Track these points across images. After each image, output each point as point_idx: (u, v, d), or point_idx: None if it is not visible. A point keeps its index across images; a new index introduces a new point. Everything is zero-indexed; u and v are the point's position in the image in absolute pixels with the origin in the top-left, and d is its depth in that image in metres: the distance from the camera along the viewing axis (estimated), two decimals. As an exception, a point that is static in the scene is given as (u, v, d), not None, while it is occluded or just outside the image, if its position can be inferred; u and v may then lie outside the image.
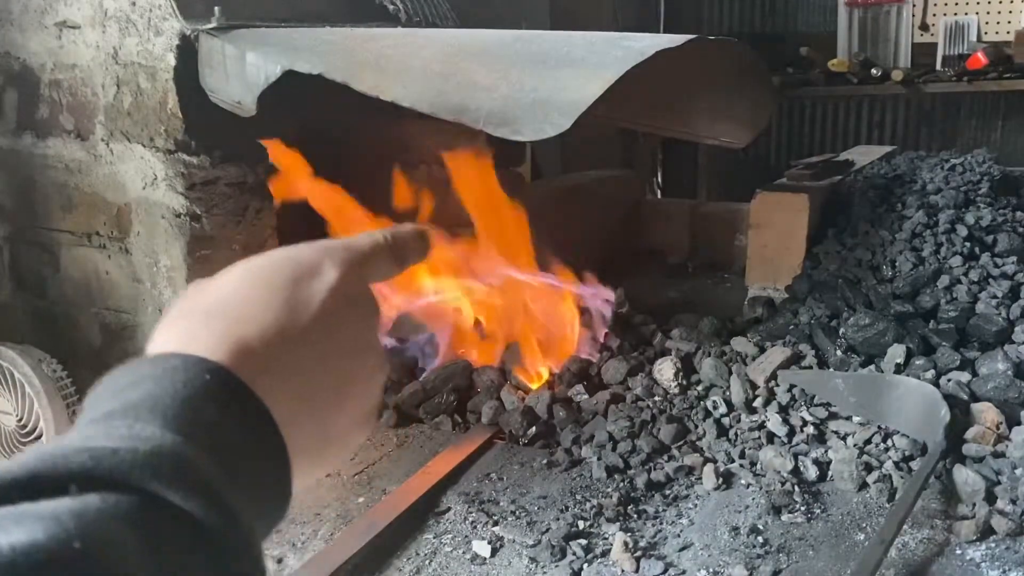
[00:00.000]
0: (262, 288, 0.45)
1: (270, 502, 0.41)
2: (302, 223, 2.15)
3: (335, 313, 0.46)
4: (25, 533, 0.29)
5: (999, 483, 1.72)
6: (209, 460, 0.36)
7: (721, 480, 1.83)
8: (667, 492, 1.82)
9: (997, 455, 1.81)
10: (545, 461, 1.95)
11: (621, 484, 1.82)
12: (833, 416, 2.04)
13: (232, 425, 0.39)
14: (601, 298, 2.50)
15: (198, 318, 0.43)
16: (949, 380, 2.06)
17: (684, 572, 1.56)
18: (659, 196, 5.32)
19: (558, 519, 1.71)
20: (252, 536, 0.36)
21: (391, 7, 2.39)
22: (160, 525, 0.33)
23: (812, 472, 1.83)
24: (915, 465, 1.81)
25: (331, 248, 0.49)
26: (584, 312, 2.46)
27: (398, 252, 0.53)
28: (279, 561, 1.67)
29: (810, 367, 2.23)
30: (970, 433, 1.85)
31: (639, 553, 1.59)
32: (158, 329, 0.43)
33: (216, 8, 1.96)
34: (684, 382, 2.20)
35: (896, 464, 1.82)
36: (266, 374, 0.42)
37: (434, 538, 1.70)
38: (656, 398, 2.16)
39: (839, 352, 2.27)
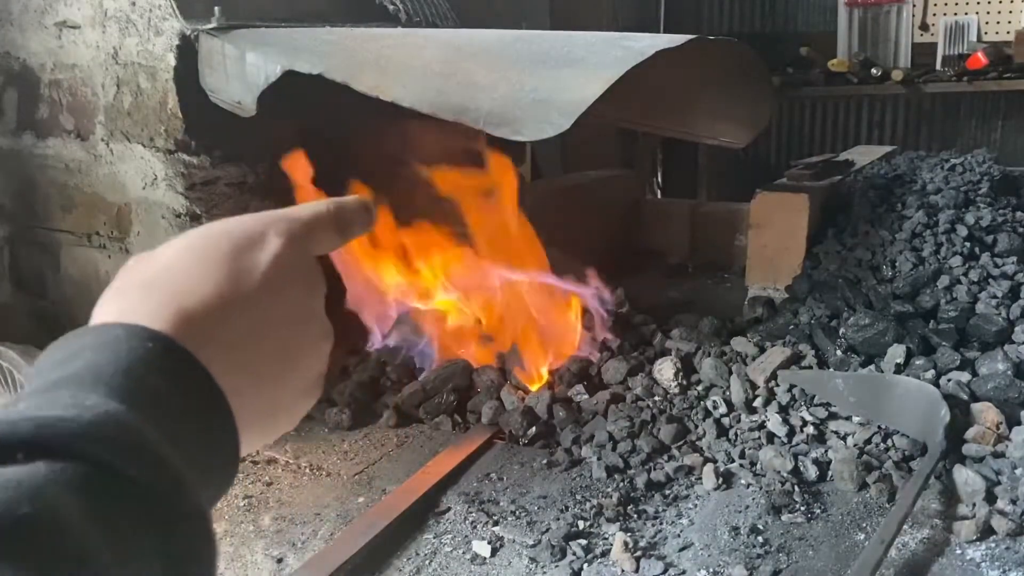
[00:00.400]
0: (203, 259, 0.45)
1: (217, 470, 0.41)
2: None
3: (277, 282, 0.46)
4: None
5: (999, 483, 1.72)
6: (154, 427, 0.36)
7: (721, 480, 1.83)
8: (667, 492, 1.82)
9: (997, 455, 1.80)
10: (545, 461, 1.95)
11: (621, 484, 1.82)
12: (833, 416, 2.04)
13: (176, 393, 0.39)
14: (601, 298, 2.50)
15: (140, 290, 0.43)
16: (949, 380, 2.06)
17: (684, 572, 1.56)
18: (659, 196, 5.32)
19: (558, 519, 1.71)
20: (199, 501, 0.36)
21: (391, 7, 2.40)
22: (106, 491, 0.33)
23: (812, 472, 1.83)
24: (915, 465, 1.81)
25: (273, 218, 0.48)
26: (584, 312, 2.46)
27: (341, 223, 0.52)
28: (279, 561, 1.67)
29: (810, 367, 2.23)
30: (970, 433, 1.85)
31: (639, 553, 1.59)
32: (99, 301, 0.43)
33: (216, 8, 1.96)
34: (684, 382, 2.20)
35: (896, 464, 1.82)
36: (209, 343, 0.41)
37: (434, 538, 1.70)
38: (656, 398, 2.16)
39: (839, 352, 2.27)
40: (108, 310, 0.42)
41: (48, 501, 0.30)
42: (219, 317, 0.43)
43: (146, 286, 0.43)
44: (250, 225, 0.47)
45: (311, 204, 0.51)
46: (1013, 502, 1.66)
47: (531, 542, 1.63)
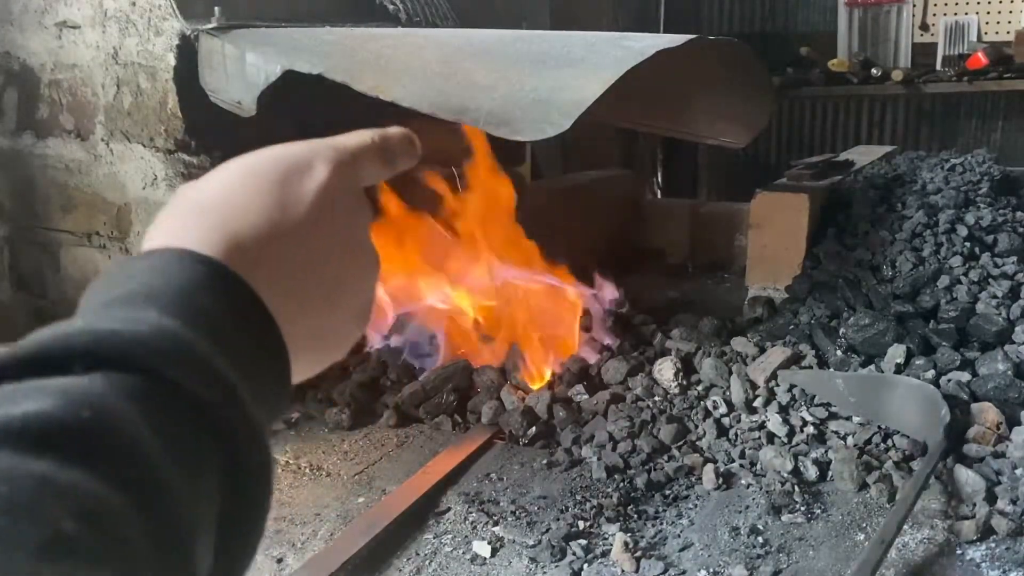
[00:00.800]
0: (252, 186, 0.45)
1: (270, 392, 0.41)
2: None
3: (326, 210, 0.46)
4: (33, 404, 0.29)
5: (999, 483, 1.72)
6: (208, 344, 0.36)
7: (721, 480, 1.83)
8: (667, 492, 1.82)
9: (997, 455, 1.81)
10: (545, 461, 1.95)
11: (621, 484, 1.82)
12: (833, 416, 2.04)
13: (227, 315, 0.39)
14: (601, 298, 2.50)
15: (190, 216, 0.43)
16: (949, 380, 2.06)
17: (684, 572, 1.56)
18: (659, 196, 5.32)
19: (558, 519, 1.71)
20: (255, 417, 0.37)
21: (391, 7, 2.40)
22: (165, 402, 0.33)
23: (812, 472, 1.83)
24: (915, 465, 1.81)
25: (321, 147, 0.48)
26: (584, 312, 2.46)
27: (387, 154, 0.52)
28: (279, 561, 1.67)
29: (810, 367, 2.23)
30: (970, 433, 1.85)
31: (639, 553, 1.59)
32: (150, 229, 0.43)
33: (216, 8, 1.96)
34: (684, 382, 2.20)
35: (896, 464, 1.82)
36: (259, 268, 0.42)
37: (434, 538, 1.70)
38: (656, 398, 2.16)
39: (839, 352, 2.27)
40: (159, 236, 0.42)
41: (108, 408, 0.31)
42: (268, 243, 0.43)
43: (196, 212, 0.43)
44: (298, 153, 0.47)
45: (358, 133, 0.51)
46: (1013, 502, 1.66)
47: (531, 542, 1.63)
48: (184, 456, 0.33)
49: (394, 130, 0.54)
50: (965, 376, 2.06)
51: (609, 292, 2.56)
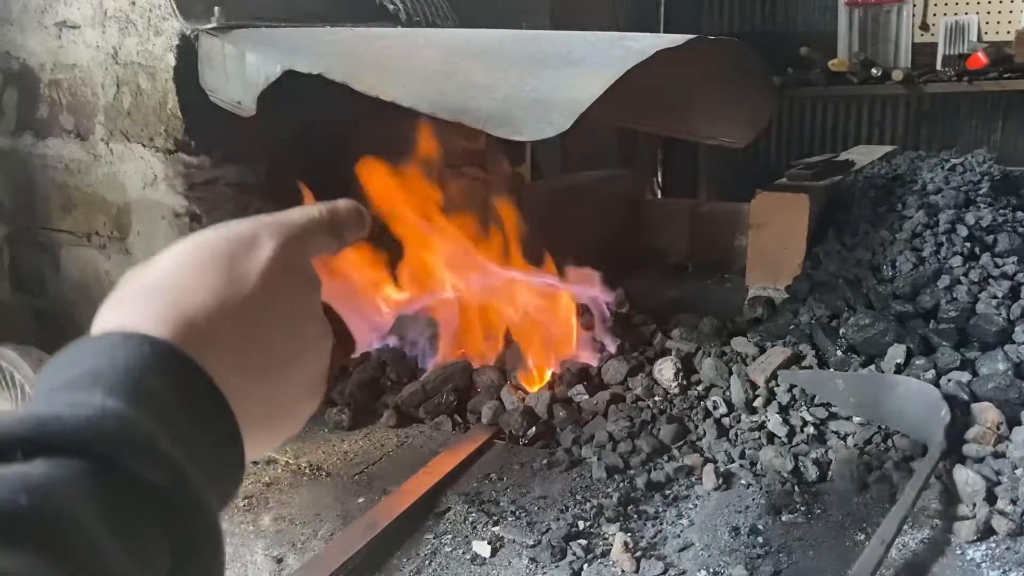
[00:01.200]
0: (200, 265, 0.45)
1: (222, 473, 0.41)
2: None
3: (274, 284, 0.46)
4: None
5: (999, 483, 1.72)
6: (156, 425, 0.36)
7: (721, 480, 1.83)
8: (667, 492, 1.82)
9: (997, 455, 1.80)
10: (545, 461, 1.95)
11: (621, 484, 1.82)
12: (833, 416, 2.04)
13: (176, 395, 0.39)
14: (601, 298, 2.50)
15: (138, 298, 0.43)
16: (949, 380, 2.06)
17: (684, 572, 1.55)
18: (659, 196, 5.32)
19: (558, 519, 1.71)
20: (205, 497, 0.36)
21: (391, 7, 2.39)
22: (108, 486, 0.33)
23: (812, 472, 1.83)
24: (915, 465, 1.80)
25: (267, 223, 0.49)
26: (584, 312, 2.46)
27: (335, 227, 0.53)
28: (279, 561, 1.67)
29: (810, 367, 2.23)
30: (970, 433, 1.85)
31: (639, 553, 1.59)
32: (99, 312, 0.43)
33: (216, 8, 1.96)
34: (684, 382, 2.20)
35: (896, 464, 1.82)
36: (209, 347, 0.42)
37: (434, 538, 1.70)
38: (656, 398, 2.16)
39: (839, 352, 2.27)
40: (108, 320, 0.42)
41: (47, 494, 0.30)
42: (217, 320, 0.43)
43: (144, 294, 0.44)
44: (244, 229, 0.48)
45: (305, 208, 0.52)
46: (1013, 502, 1.66)
47: (531, 542, 1.63)
48: (131, 539, 0.32)
49: (342, 203, 0.54)
50: (965, 376, 2.06)
51: (609, 292, 2.56)
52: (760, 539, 1.64)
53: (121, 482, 0.33)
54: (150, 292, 0.43)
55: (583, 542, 1.62)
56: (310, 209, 0.52)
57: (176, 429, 0.37)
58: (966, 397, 1.98)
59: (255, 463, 2.05)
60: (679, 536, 1.66)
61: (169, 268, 0.45)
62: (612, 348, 2.38)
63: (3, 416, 0.34)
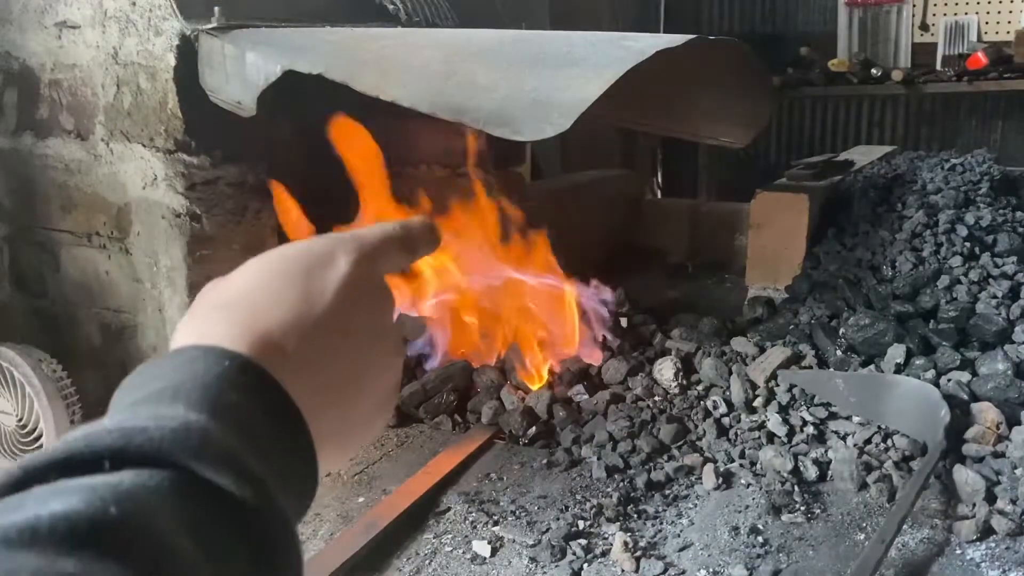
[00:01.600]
0: (277, 281, 0.46)
1: (298, 487, 0.41)
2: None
3: (350, 301, 0.47)
4: (61, 504, 0.29)
5: (999, 483, 1.72)
6: (236, 438, 0.36)
7: (721, 480, 1.83)
8: (667, 492, 1.82)
9: (997, 455, 1.80)
10: (545, 461, 1.95)
11: (621, 484, 1.82)
12: (833, 416, 2.04)
13: (256, 409, 0.39)
14: (601, 298, 2.50)
15: (216, 313, 0.44)
16: (949, 380, 2.06)
17: (684, 572, 1.56)
18: (659, 196, 5.32)
19: (558, 519, 1.71)
20: (285, 511, 0.37)
21: (391, 7, 2.39)
22: (193, 497, 0.33)
23: (812, 472, 1.83)
24: (915, 465, 1.80)
25: (343, 240, 0.49)
26: (584, 312, 2.46)
27: (409, 243, 0.53)
28: (279, 561, 1.67)
29: (810, 367, 2.23)
30: (970, 433, 1.85)
31: (639, 553, 1.59)
32: (178, 328, 0.44)
33: (216, 8, 1.96)
34: (684, 382, 2.20)
35: (896, 464, 1.82)
36: (286, 363, 0.42)
37: (434, 538, 1.70)
38: (656, 398, 2.16)
39: (839, 352, 2.27)
40: (186, 334, 0.42)
41: (136, 504, 0.31)
42: (294, 336, 0.43)
43: (222, 308, 0.44)
44: (321, 246, 0.48)
45: (380, 225, 0.53)
46: (1013, 502, 1.66)
47: (531, 542, 1.63)
48: (214, 550, 0.33)
49: (416, 220, 0.55)
50: (965, 376, 2.06)
51: (608, 292, 2.56)
52: (760, 539, 1.64)
53: (205, 494, 0.33)
54: (227, 306, 0.44)
55: (583, 542, 1.62)
56: (385, 226, 0.52)
57: (255, 443, 0.37)
58: (966, 397, 1.98)
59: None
60: (679, 536, 1.66)
61: (246, 282, 0.46)
62: (612, 348, 2.38)
63: (90, 428, 0.34)
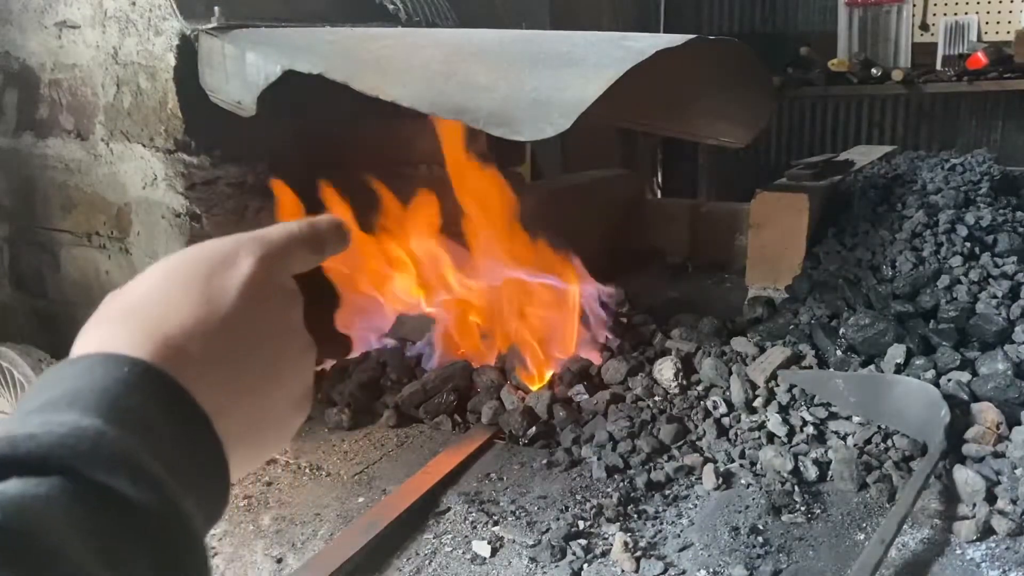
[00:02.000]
0: (178, 284, 0.45)
1: (207, 490, 0.41)
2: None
3: (252, 301, 0.46)
4: None
5: (999, 483, 1.72)
6: (135, 441, 0.36)
7: (721, 480, 1.83)
8: (667, 492, 1.82)
9: (997, 455, 1.80)
10: (545, 461, 1.95)
11: (621, 484, 1.82)
12: (833, 416, 2.04)
13: (157, 414, 0.38)
14: (601, 298, 2.50)
15: (117, 319, 0.43)
16: (949, 380, 2.06)
17: (684, 572, 1.56)
18: (659, 196, 5.32)
19: (558, 519, 1.71)
20: (188, 513, 0.36)
21: (391, 7, 2.39)
22: (86, 503, 0.32)
23: (812, 472, 1.83)
24: (915, 465, 1.80)
25: (244, 240, 0.49)
26: (584, 312, 2.46)
27: (315, 242, 0.53)
28: (279, 561, 1.67)
29: (810, 367, 2.23)
30: (970, 433, 1.85)
31: (639, 553, 1.59)
32: (79, 336, 0.43)
33: (216, 8, 1.96)
34: (684, 382, 2.20)
35: (896, 464, 1.82)
36: (189, 365, 0.42)
37: (434, 538, 1.70)
38: (656, 398, 2.16)
39: (839, 352, 2.27)
40: (86, 343, 0.42)
41: (21, 511, 0.30)
42: (197, 339, 0.43)
43: (123, 315, 0.44)
44: (223, 247, 0.48)
45: (284, 224, 0.52)
46: (1013, 502, 1.66)
47: (531, 542, 1.63)
48: (111, 555, 0.32)
49: (323, 218, 0.55)
50: (965, 376, 2.06)
51: (609, 292, 2.56)
52: (760, 539, 1.64)
53: (100, 498, 0.33)
54: (128, 313, 0.43)
55: (583, 542, 1.62)
56: (290, 225, 0.52)
57: (158, 447, 0.37)
58: (966, 397, 1.98)
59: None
60: (679, 536, 1.66)
61: (147, 288, 0.45)
62: (612, 348, 2.38)
63: None
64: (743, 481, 1.83)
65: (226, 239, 0.49)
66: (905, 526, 1.62)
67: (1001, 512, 1.64)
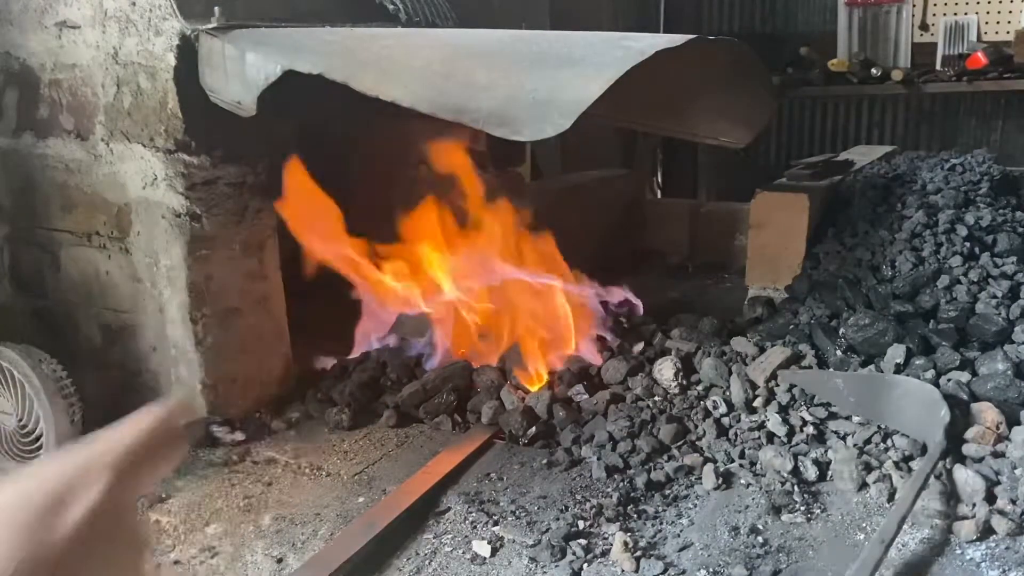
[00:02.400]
0: (4, 530, 0.44)
1: None
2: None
3: (85, 543, 0.45)
4: None
5: (999, 483, 1.72)
6: None
7: (721, 480, 1.83)
8: (667, 492, 1.82)
9: (997, 455, 1.80)
10: (545, 461, 1.95)
11: (621, 484, 1.82)
12: (833, 416, 2.04)
13: None
14: (602, 298, 2.50)
15: None
16: (949, 380, 2.06)
17: (684, 572, 1.56)
18: (659, 196, 5.32)
19: (558, 519, 1.71)
20: None
21: (391, 7, 2.39)
22: None
23: (812, 472, 1.83)
24: (915, 465, 1.80)
25: (79, 472, 0.47)
26: (584, 312, 2.46)
27: (148, 463, 0.51)
28: (279, 561, 1.67)
29: (810, 367, 2.23)
30: (970, 433, 1.85)
31: (639, 553, 1.59)
32: None
33: (216, 8, 1.96)
34: (684, 382, 2.20)
35: (896, 464, 1.82)
36: None
37: (434, 538, 1.70)
38: (656, 398, 2.16)
39: (839, 352, 2.27)
40: None
41: None
42: None
43: None
44: (53, 484, 0.47)
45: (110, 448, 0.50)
46: (1013, 502, 1.66)
47: (531, 542, 1.63)
48: None
49: (155, 425, 0.52)
50: (965, 376, 2.06)
51: (614, 293, 2.57)
52: (760, 539, 1.64)
53: None
54: None
55: (583, 542, 1.62)
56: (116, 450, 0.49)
57: None
58: (966, 397, 1.98)
59: (255, 462, 2.05)
60: (679, 536, 1.66)
61: None
62: (612, 348, 2.38)
63: None
64: (743, 481, 1.83)
65: (61, 468, 0.47)
66: (905, 526, 1.61)
67: (1001, 512, 1.64)
